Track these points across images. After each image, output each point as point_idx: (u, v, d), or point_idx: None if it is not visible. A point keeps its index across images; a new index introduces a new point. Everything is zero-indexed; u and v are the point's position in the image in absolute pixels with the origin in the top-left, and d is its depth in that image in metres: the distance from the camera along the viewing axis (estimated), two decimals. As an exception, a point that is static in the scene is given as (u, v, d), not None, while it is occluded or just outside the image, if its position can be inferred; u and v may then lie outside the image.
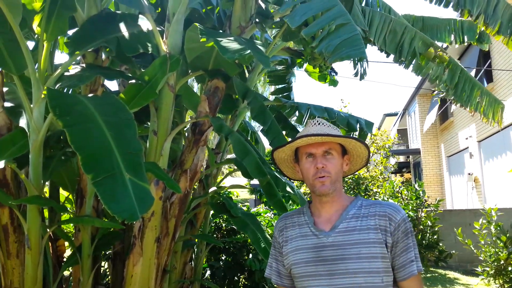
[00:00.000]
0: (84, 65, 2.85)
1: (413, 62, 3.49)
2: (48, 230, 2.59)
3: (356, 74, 2.38)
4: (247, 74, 3.91)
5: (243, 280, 5.13)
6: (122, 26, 2.77)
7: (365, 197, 9.67)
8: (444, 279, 7.57)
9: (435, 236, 7.81)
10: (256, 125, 10.16)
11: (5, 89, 2.58)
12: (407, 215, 1.50)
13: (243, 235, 4.78)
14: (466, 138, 12.35)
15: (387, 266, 1.42)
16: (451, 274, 8.02)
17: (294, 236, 1.54)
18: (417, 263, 1.44)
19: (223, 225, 5.25)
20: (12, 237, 2.49)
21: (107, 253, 3.90)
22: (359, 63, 2.30)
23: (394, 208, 1.48)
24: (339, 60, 2.25)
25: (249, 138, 4.87)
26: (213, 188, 3.66)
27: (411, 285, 1.45)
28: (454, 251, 7.90)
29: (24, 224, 2.39)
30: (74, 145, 1.78)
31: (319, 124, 1.57)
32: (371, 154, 2.15)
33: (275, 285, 1.67)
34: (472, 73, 10.86)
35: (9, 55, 2.33)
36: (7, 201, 2.36)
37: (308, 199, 1.89)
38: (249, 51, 2.26)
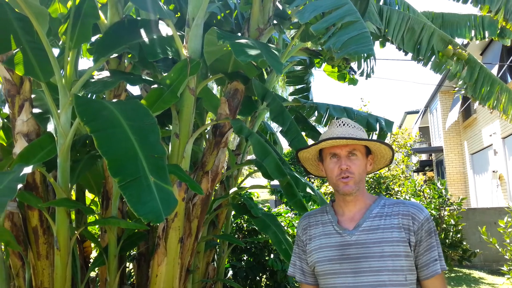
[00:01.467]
0: (108, 71, 2.92)
1: (431, 60, 3.46)
2: (75, 231, 2.66)
3: (362, 73, 2.38)
4: (266, 76, 3.94)
5: (265, 280, 5.16)
6: (144, 32, 2.83)
7: (387, 196, 9.58)
8: (469, 278, 7.45)
9: (459, 235, 7.69)
10: (275, 126, 10.17)
11: (33, 96, 2.67)
12: (429, 214, 1.51)
13: (264, 235, 4.80)
14: (490, 135, 12.09)
15: (410, 264, 1.43)
16: (476, 273, 7.88)
17: (317, 234, 1.56)
18: (440, 262, 1.45)
19: (245, 225, 5.28)
20: (41, 238, 2.57)
21: (132, 253, 3.99)
22: (365, 62, 2.30)
23: (418, 207, 1.49)
24: (346, 56, 2.26)
25: (268, 139, 4.89)
26: (234, 189, 3.69)
27: (435, 283, 1.45)
28: (478, 250, 7.75)
29: (53, 226, 2.46)
30: (101, 150, 1.84)
31: (344, 125, 1.59)
32: (392, 153, 2.14)
33: (297, 283, 1.70)
34: (495, 69, 10.61)
35: (37, 63, 2.40)
36: (37, 204, 2.44)
37: (329, 199, 1.91)
38: (262, 55, 2.29)
